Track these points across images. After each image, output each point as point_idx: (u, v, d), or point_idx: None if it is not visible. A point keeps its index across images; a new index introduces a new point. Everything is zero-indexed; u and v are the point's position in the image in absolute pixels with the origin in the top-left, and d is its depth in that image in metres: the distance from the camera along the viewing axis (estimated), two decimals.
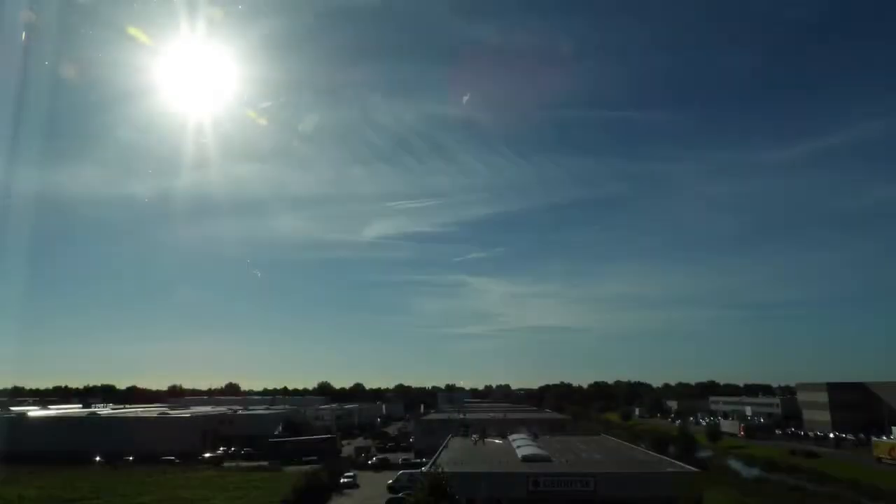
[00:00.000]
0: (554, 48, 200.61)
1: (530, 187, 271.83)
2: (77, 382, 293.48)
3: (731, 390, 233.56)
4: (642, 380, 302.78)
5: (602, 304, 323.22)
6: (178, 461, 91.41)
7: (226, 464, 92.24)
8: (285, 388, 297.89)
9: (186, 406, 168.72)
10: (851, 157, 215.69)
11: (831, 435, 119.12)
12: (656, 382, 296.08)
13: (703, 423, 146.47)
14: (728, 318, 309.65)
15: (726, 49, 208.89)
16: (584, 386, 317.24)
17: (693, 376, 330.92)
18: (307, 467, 73.37)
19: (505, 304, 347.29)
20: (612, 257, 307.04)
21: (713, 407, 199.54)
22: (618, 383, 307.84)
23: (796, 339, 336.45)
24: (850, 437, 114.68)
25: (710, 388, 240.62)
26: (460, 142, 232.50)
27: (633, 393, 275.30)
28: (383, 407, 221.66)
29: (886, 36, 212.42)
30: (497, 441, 70.12)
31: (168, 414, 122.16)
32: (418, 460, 79.59)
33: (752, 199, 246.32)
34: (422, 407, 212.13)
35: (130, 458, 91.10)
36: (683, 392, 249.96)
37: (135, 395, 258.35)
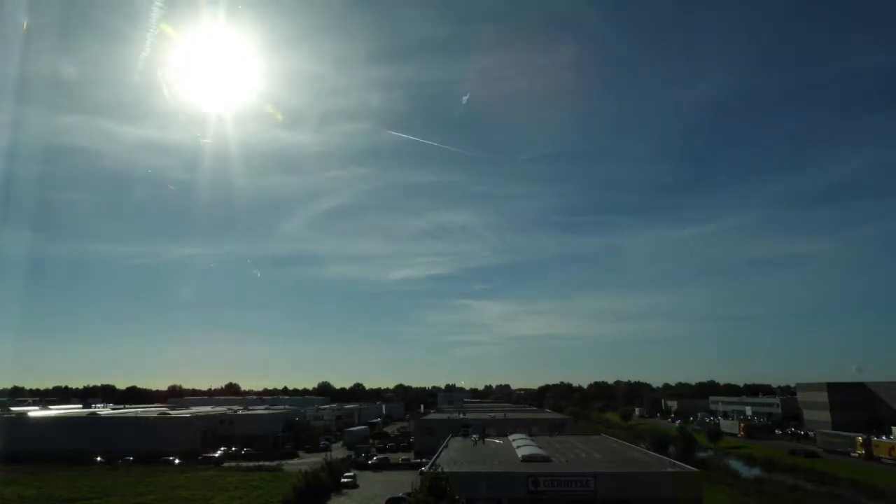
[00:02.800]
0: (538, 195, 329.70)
1: (527, 249, 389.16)
2: (77, 382, 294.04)
3: (731, 390, 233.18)
4: (642, 380, 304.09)
5: (589, 316, 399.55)
6: (178, 461, 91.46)
7: (226, 464, 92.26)
8: (285, 388, 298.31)
9: (186, 406, 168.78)
10: (743, 232, 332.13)
11: None
12: (656, 382, 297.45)
13: (703, 423, 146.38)
14: (698, 328, 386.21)
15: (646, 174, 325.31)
16: (584, 386, 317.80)
17: (693, 376, 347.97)
18: (307, 467, 73.36)
19: (502, 318, 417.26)
20: (591, 287, 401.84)
21: (713, 407, 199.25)
22: (618, 383, 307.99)
23: (788, 342, 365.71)
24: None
25: (710, 388, 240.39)
26: (482, 228, 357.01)
27: (633, 393, 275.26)
28: (383, 407, 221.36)
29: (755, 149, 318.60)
30: (497, 441, 70.14)
31: (168, 414, 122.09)
32: (418, 460, 79.63)
33: (681, 257, 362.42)
34: (422, 407, 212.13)
35: (130, 458, 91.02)
36: (683, 392, 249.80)
37: (135, 395, 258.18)
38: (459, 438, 75.52)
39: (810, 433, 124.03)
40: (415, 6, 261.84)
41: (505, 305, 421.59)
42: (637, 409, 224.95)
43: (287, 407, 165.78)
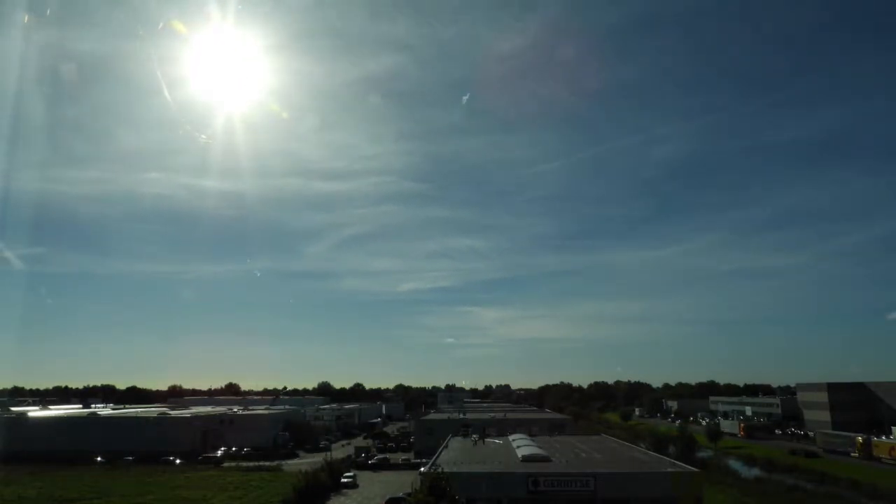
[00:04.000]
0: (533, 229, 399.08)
1: (527, 265, 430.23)
2: (77, 382, 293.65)
3: (731, 390, 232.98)
4: (642, 380, 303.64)
5: (589, 319, 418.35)
6: (178, 461, 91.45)
7: (226, 464, 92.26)
8: (285, 388, 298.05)
9: (186, 406, 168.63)
10: (714, 250, 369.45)
11: None
12: (656, 382, 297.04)
13: (703, 423, 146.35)
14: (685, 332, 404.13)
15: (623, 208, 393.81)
16: (584, 386, 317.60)
17: (693, 376, 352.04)
18: (307, 467, 73.34)
19: (502, 322, 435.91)
20: (589, 294, 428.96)
21: (713, 407, 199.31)
22: (618, 383, 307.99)
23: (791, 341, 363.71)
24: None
25: (710, 388, 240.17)
26: (488, 250, 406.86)
27: (633, 393, 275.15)
28: (383, 407, 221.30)
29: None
30: (497, 441, 70.15)
31: (168, 414, 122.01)
32: (418, 460, 79.63)
33: (666, 269, 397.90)
34: (422, 407, 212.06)
35: (130, 458, 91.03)
36: (683, 392, 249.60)
37: (135, 395, 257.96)
38: (459, 438, 75.54)
39: (810, 433, 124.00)
40: (432, 106, 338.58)
41: (505, 311, 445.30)
42: (637, 409, 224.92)
43: (287, 407, 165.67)
